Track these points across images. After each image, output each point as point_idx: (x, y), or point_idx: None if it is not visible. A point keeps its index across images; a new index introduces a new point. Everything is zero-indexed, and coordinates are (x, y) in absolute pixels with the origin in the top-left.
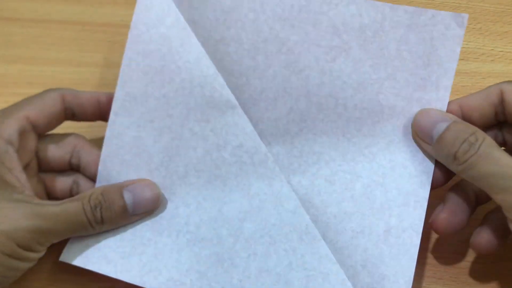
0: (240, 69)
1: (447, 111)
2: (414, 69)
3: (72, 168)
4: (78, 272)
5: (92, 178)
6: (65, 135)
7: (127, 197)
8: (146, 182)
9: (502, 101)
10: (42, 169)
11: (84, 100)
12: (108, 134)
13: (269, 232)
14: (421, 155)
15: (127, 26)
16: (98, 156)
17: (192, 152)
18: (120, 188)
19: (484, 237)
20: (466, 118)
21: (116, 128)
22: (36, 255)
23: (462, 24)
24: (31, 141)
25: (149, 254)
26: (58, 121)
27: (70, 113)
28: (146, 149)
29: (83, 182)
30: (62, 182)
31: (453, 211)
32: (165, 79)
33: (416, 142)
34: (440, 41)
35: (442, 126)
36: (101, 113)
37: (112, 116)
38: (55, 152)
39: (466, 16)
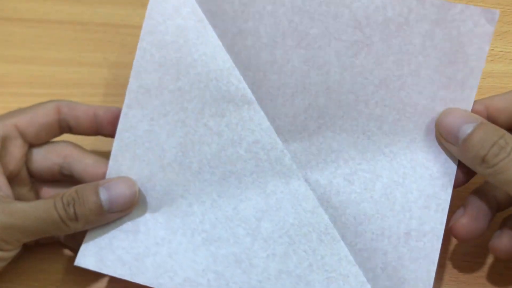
0: (258, 64)
1: (472, 111)
2: (439, 67)
3: (66, 179)
4: (85, 272)
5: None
6: (55, 144)
7: (103, 193)
8: (123, 179)
9: None
10: (36, 179)
11: (80, 113)
12: (120, 127)
13: (288, 232)
14: (443, 155)
15: (127, 26)
16: (91, 165)
17: (207, 148)
18: (95, 185)
19: (503, 242)
20: (491, 119)
21: (129, 121)
22: (4, 255)
23: (492, 21)
24: (19, 149)
25: (163, 254)
26: (52, 132)
27: (66, 125)
28: (159, 144)
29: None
30: (56, 192)
31: (474, 217)
32: (180, 72)
33: (439, 142)
34: (468, 38)
35: (469, 127)
36: (98, 127)
37: (124, 108)
38: (42, 162)
39: (497, 12)
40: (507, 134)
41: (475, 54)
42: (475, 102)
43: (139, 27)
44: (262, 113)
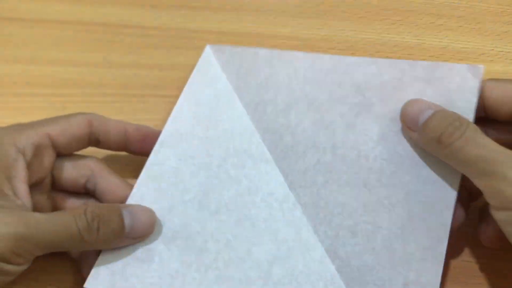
0: (275, 127)
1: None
2: None
3: (88, 192)
4: None
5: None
6: (84, 158)
7: (126, 217)
8: (145, 207)
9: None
10: (55, 187)
11: (111, 128)
12: (150, 160)
13: (297, 279)
14: (439, 206)
15: (127, 26)
16: (115, 185)
17: (226, 192)
18: (119, 207)
19: (488, 233)
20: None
21: (159, 156)
22: (14, 269)
23: (478, 75)
24: (48, 158)
25: (176, 287)
26: (81, 144)
27: (95, 139)
28: (183, 181)
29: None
30: (72, 203)
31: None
32: (210, 125)
33: (405, 133)
34: (457, 93)
35: (428, 113)
36: (126, 143)
37: (157, 146)
38: (70, 173)
39: (482, 67)
40: (463, 117)
41: (465, 107)
42: None
43: (139, 27)
44: (277, 170)
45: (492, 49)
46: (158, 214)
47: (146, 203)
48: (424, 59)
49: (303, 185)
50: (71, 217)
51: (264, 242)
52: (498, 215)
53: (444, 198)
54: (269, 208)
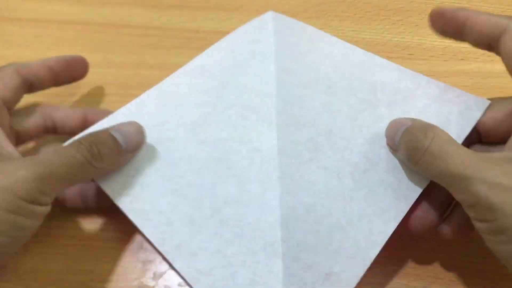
0: (290, 96)
1: (453, 13)
2: None
3: (48, 131)
4: (85, 273)
5: (71, 134)
6: (29, 105)
7: (116, 134)
8: (126, 122)
9: (500, 44)
10: (20, 141)
11: (36, 69)
12: (165, 80)
13: (242, 227)
14: (389, 214)
15: (127, 26)
16: (71, 113)
17: (219, 131)
18: (105, 129)
19: (449, 228)
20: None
21: (174, 80)
22: (41, 209)
23: (481, 108)
24: (5, 116)
25: (139, 185)
26: (20, 94)
27: (28, 84)
28: (185, 107)
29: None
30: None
31: (426, 209)
32: (235, 73)
33: (394, 155)
34: (455, 117)
35: (401, 130)
36: (54, 78)
37: (177, 72)
38: (29, 121)
39: (487, 102)
40: (432, 126)
41: (457, 133)
42: (461, 10)
43: (139, 27)
44: (275, 134)
45: None
46: (150, 124)
47: (144, 111)
48: (424, 59)
49: (289, 154)
50: (72, 149)
51: (230, 184)
52: (478, 226)
53: (396, 209)
54: (251, 161)
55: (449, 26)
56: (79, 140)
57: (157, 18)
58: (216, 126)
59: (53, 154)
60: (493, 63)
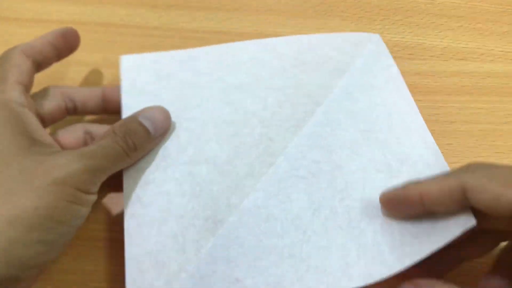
0: (334, 116)
1: (405, 195)
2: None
3: (69, 113)
4: (85, 273)
5: (93, 112)
6: (45, 89)
7: (145, 121)
8: (153, 107)
9: (466, 198)
10: (45, 125)
11: (40, 47)
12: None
13: (204, 188)
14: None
15: (127, 26)
16: (89, 92)
17: (228, 112)
18: (134, 117)
19: (491, 284)
20: (428, 208)
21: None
22: (92, 198)
23: (379, 41)
24: (32, 102)
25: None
26: (33, 76)
27: (37, 65)
28: (199, 88)
29: (94, 128)
30: (73, 137)
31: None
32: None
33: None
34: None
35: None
36: (57, 52)
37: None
38: (51, 104)
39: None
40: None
41: (385, 63)
42: (410, 187)
43: (139, 27)
44: (296, 136)
45: (492, 49)
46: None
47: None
48: (424, 59)
49: (290, 158)
50: (110, 141)
51: (225, 148)
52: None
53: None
54: (258, 141)
55: (409, 210)
56: (113, 131)
57: (157, 18)
58: (245, 105)
59: (95, 147)
60: (493, 63)
